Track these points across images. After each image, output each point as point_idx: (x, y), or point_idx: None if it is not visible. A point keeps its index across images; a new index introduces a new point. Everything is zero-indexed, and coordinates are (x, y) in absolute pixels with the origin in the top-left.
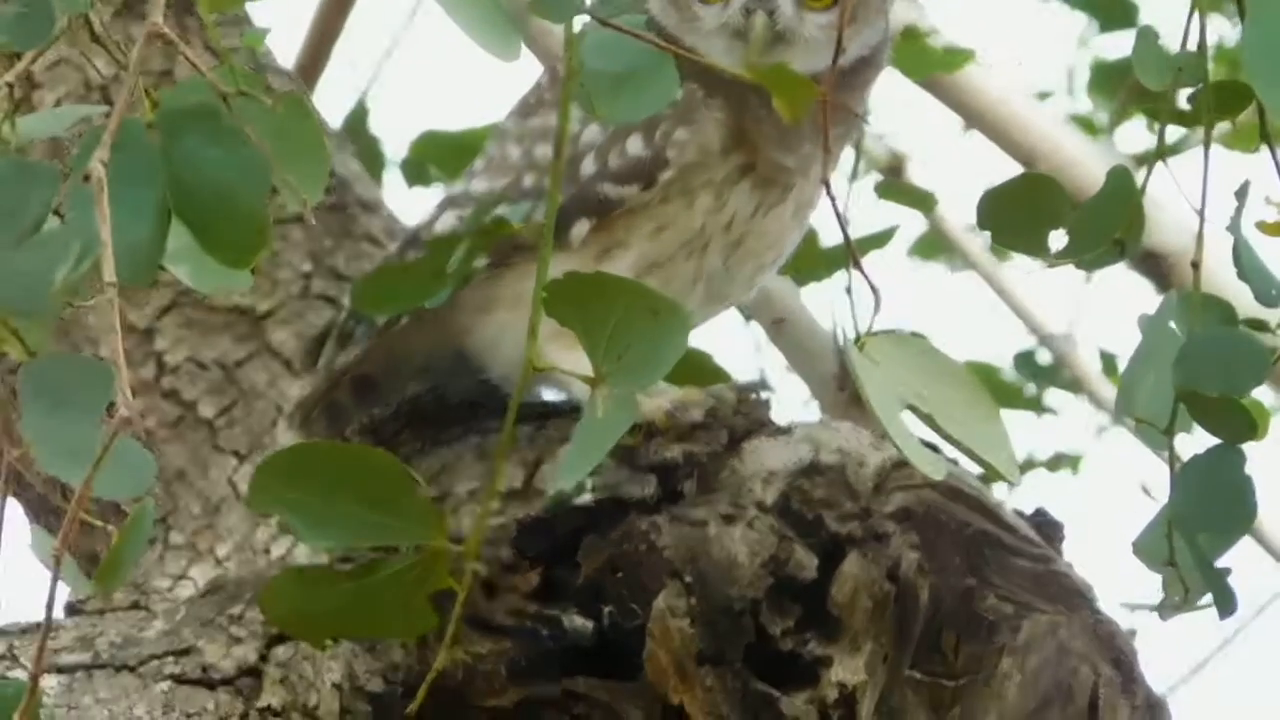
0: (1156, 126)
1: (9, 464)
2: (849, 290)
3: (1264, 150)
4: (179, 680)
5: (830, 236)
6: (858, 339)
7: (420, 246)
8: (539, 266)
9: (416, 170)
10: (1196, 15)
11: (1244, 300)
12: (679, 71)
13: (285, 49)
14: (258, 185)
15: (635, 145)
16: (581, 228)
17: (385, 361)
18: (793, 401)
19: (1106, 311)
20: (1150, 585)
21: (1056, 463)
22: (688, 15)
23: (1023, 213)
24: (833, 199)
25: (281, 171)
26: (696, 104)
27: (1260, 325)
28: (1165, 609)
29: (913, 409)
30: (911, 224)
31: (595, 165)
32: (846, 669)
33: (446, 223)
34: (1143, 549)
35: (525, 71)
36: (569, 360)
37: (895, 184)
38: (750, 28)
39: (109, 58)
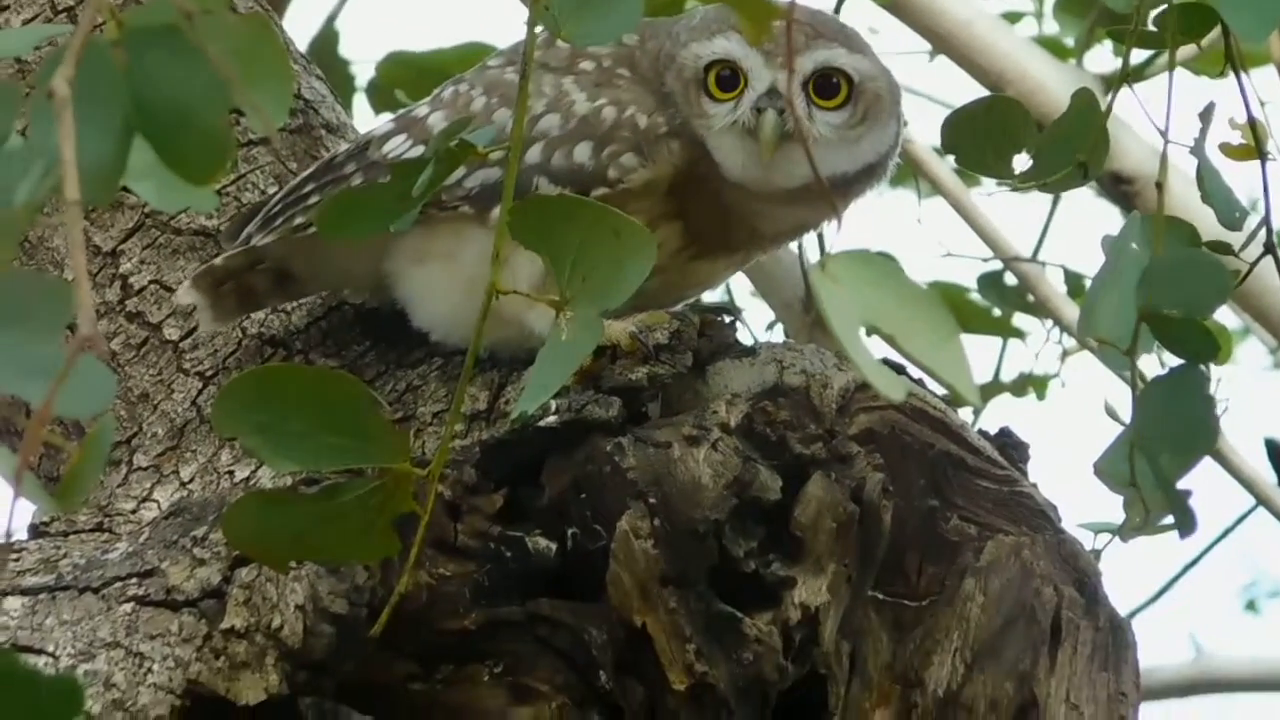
0: (1123, 49)
1: None
2: None
3: (1229, 74)
4: (142, 602)
5: None
6: (821, 260)
7: (365, 160)
8: (505, 190)
9: (383, 95)
10: None
11: (1208, 223)
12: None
13: None
14: (218, 103)
15: (582, 153)
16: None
17: (310, 262)
18: (758, 325)
19: (1073, 235)
20: (1114, 507)
21: (1022, 386)
22: (698, 111)
23: (987, 136)
24: (802, 131)
25: (246, 93)
26: (658, 139)
27: (1223, 248)
28: (1126, 530)
29: (874, 329)
30: None
31: (540, 156)
32: (809, 590)
33: (395, 145)
34: (1104, 470)
35: None
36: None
37: None
38: (760, 126)
39: None
